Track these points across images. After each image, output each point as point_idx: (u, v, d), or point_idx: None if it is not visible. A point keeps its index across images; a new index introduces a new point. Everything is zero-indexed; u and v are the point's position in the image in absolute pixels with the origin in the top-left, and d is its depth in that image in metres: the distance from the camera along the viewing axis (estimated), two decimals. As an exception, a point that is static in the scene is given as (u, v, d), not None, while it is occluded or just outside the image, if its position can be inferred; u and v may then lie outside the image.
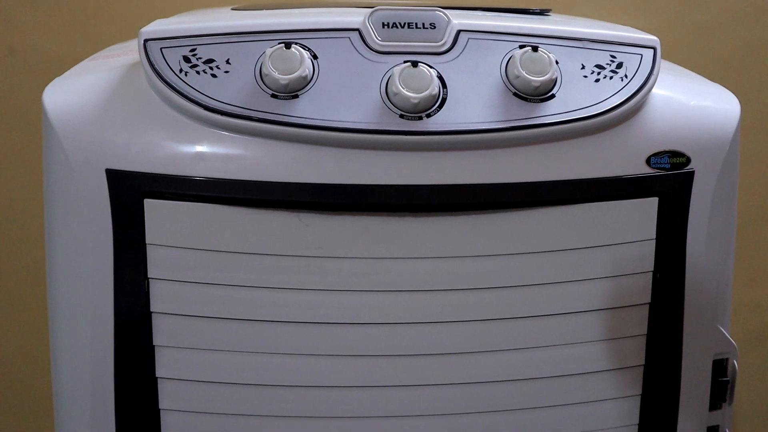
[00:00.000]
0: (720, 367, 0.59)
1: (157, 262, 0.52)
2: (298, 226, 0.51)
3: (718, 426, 0.60)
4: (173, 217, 0.51)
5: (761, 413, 1.08)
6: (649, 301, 0.56)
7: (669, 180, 0.54)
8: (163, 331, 0.53)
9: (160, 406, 0.54)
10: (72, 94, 0.53)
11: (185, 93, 0.50)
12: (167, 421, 0.54)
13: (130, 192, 0.51)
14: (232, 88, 0.51)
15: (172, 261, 0.52)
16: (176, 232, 0.51)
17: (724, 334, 0.58)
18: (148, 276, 0.52)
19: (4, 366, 0.97)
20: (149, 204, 0.51)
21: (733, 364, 0.59)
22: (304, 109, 0.50)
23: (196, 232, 0.51)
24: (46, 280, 0.56)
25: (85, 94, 0.53)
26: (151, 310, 0.52)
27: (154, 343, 0.53)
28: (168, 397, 0.54)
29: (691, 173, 0.55)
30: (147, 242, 0.51)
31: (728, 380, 0.59)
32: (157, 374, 0.53)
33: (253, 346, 0.53)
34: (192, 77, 0.51)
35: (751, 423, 1.08)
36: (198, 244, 0.51)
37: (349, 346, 0.53)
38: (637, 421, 0.57)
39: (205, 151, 0.51)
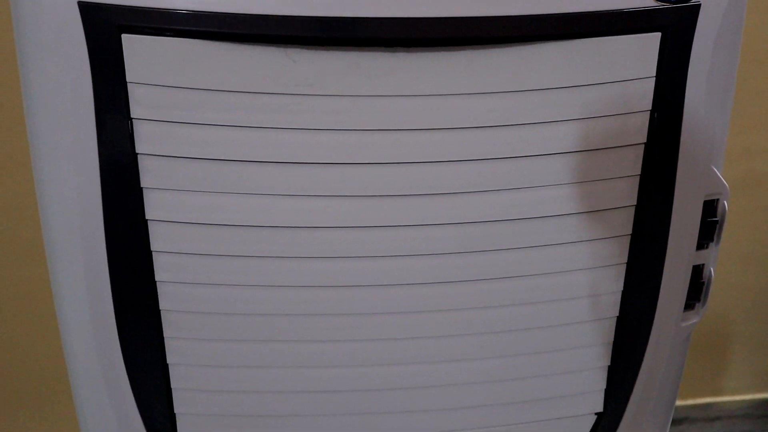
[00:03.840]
0: (710, 207, 0.59)
1: (139, 102, 0.50)
2: (285, 62, 0.49)
3: (703, 265, 0.62)
4: (154, 53, 0.48)
5: (743, 254, 1.11)
6: (645, 141, 0.55)
7: (673, 13, 0.52)
8: (150, 173, 0.52)
9: (152, 248, 0.54)
10: None
11: None
12: (160, 262, 0.54)
13: (106, 26, 0.48)
14: None
15: (155, 100, 0.50)
16: (158, 69, 0.49)
17: (717, 174, 0.58)
18: (131, 116, 0.50)
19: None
20: (127, 39, 0.48)
21: (723, 204, 0.60)
22: (288, -67, 0.47)
23: (178, 69, 0.49)
24: (26, 126, 0.54)
25: None
26: (137, 151, 0.51)
27: (142, 185, 0.52)
28: (159, 238, 0.53)
29: (697, 6, 0.52)
30: (128, 80, 0.49)
31: (717, 220, 0.60)
32: (147, 216, 0.53)
33: (240, 187, 0.52)
34: None
35: (733, 263, 1.12)
36: (181, 82, 0.49)
37: (339, 187, 0.52)
38: (626, 260, 0.58)
39: (184, -19, 0.48)
